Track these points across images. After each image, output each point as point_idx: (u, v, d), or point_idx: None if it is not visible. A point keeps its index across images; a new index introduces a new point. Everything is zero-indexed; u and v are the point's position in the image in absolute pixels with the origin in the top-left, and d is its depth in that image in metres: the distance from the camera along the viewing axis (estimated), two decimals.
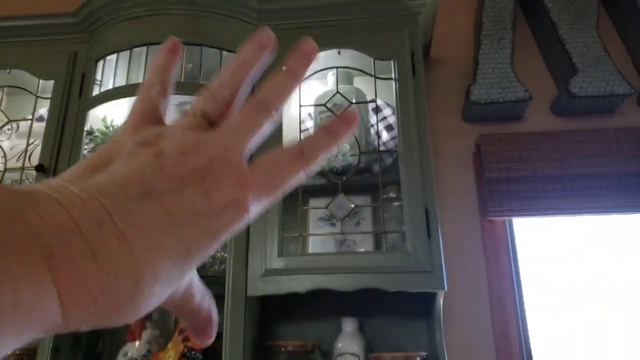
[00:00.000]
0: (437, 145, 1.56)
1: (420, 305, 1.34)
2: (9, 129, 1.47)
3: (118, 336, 1.30)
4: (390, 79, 1.35)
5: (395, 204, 1.32)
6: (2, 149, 1.40)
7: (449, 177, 1.57)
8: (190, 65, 1.37)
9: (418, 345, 1.31)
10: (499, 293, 1.43)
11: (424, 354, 1.22)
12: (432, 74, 1.68)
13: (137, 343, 1.23)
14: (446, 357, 1.17)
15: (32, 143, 1.40)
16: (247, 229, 1.22)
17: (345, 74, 1.45)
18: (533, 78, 1.64)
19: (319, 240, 1.41)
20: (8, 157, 1.40)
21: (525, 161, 1.52)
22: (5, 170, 1.37)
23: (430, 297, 1.24)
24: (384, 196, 1.32)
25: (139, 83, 1.34)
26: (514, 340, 1.39)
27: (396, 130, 1.33)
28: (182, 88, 1.35)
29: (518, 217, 1.53)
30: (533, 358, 1.39)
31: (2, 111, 1.44)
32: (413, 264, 1.17)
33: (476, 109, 1.58)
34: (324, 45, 1.39)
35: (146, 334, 1.25)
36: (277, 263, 1.20)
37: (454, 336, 1.36)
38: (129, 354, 1.22)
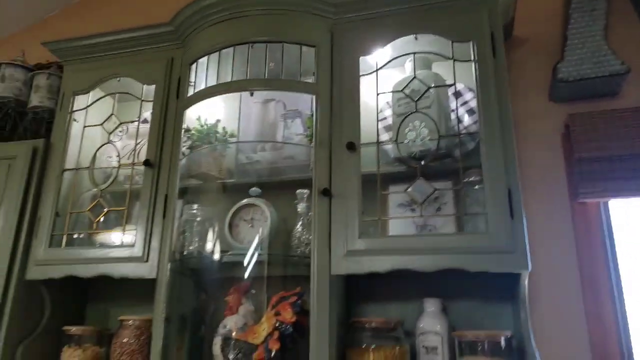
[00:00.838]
0: (522, 127, 1.56)
1: (505, 288, 1.36)
2: (120, 131, 1.71)
3: (219, 311, 1.48)
4: (470, 61, 1.38)
5: (477, 187, 1.35)
6: (116, 148, 1.65)
7: (536, 159, 1.56)
8: (272, 63, 1.50)
9: (502, 326, 1.33)
10: (592, 276, 1.40)
11: (508, 333, 1.24)
12: (516, 55, 1.67)
13: (235, 317, 1.40)
14: (532, 337, 1.18)
15: (139, 142, 1.63)
16: (329, 214, 1.33)
17: (423, 60, 1.50)
18: (632, 49, 1.56)
19: (399, 225, 1.48)
20: (121, 156, 1.64)
21: (621, 139, 1.46)
22: (120, 166, 1.61)
23: (515, 278, 1.26)
24: (466, 180, 1.36)
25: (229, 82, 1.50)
26: (609, 323, 1.36)
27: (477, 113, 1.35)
28: (266, 84, 1.49)
29: (613, 199, 1.48)
30: (632, 342, 1.35)
31: (115, 115, 1.69)
32: (495, 245, 1.20)
33: (564, 87, 1.54)
34: (401, 32, 1.45)
35: (242, 309, 1.42)
36: (359, 244, 1.29)
37: (541, 318, 1.36)
38: (228, 326, 1.39)
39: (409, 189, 1.36)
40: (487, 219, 1.23)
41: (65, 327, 1.55)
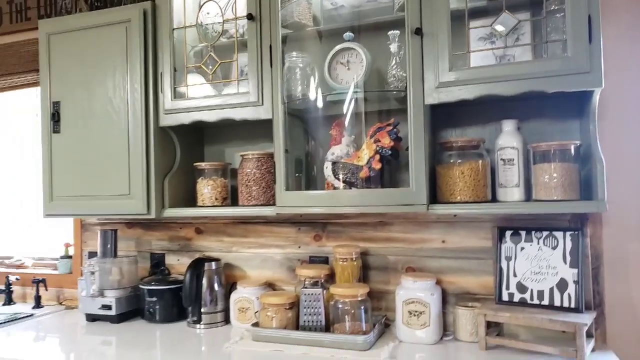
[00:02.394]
0: None
1: (574, 107, 1.63)
2: None
3: (325, 142, 1.84)
4: None
5: (558, 15, 1.54)
6: (218, 5, 1.84)
7: None
8: None
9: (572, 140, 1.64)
10: None
11: (577, 142, 1.55)
12: None
13: (339, 146, 1.76)
14: (599, 145, 1.48)
15: None
16: (422, 51, 1.56)
17: None
18: None
19: (480, 58, 1.70)
20: (223, 11, 1.84)
21: None
22: (224, 21, 1.83)
23: (586, 98, 1.52)
24: (548, 9, 1.54)
25: None
26: None
27: None
28: None
29: None
30: None
31: None
32: (573, 67, 1.43)
33: None
34: None
35: (345, 139, 1.76)
36: (449, 77, 1.55)
37: (606, 132, 1.64)
38: (335, 153, 1.75)
39: (495, 23, 1.57)
40: (567, 45, 1.45)
41: (196, 164, 1.97)
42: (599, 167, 1.44)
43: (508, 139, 1.65)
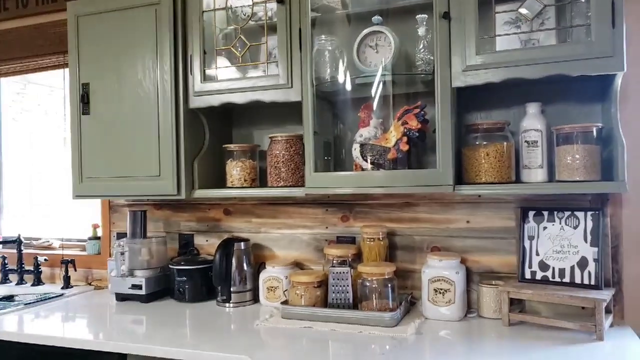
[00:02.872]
0: None
1: (596, 91, 1.71)
2: None
3: (353, 124, 1.93)
4: None
5: (582, 0, 1.60)
6: None
7: None
8: None
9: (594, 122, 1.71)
10: None
11: (599, 124, 1.63)
12: None
13: (367, 128, 1.84)
14: (620, 126, 1.55)
15: None
16: (449, 34, 1.64)
17: None
18: None
19: (505, 42, 1.77)
20: None
21: None
22: (253, 4, 1.90)
23: (608, 82, 1.59)
24: None
25: None
26: None
27: None
28: None
29: None
30: None
31: None
32: (596, 51, 1.50)
33: None
34: None
35: (373, 122, 1.84)
36: (475, 60, 1.62)
37: (627, 115, 1.71)
38: (363, 135, 1.83)
39: (521, 7, 1.63)
40: (590, 29, 1.52)
41: (225, 145, 2.06)
42: (620, 149, 1.52)
43: (532, 121, 1.73)
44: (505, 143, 1.71)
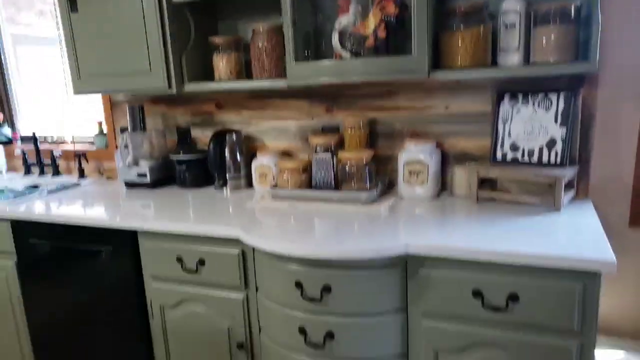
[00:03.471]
0: None
1: None
2: None
3: (333, 14, 1.95)
4: None
5: None
6: None
7: None
8: None
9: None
10: None
11: (578, 1, 1.62)
12: None
13: (347, 16, 1.87)
14: (599, 7, 1.55)
15: None
16: None
17: None
18: None
19: None
20: None
21: None
22: None
23: None
24: None
25: None
26: None
27: None
28: None
29: None
30: None
31: None
32: None
33: None
34: None
35: (352, 8, 1.87)
36: None
37: None
38: (342, 23, 1.87)
39: None
40: None
41: (211, 37, 2.13)
42: (595, 28, 1.53)
43: (512, 2, 1.72)
44: (482, 26, 1.73)
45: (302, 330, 1.58)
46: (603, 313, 1.89)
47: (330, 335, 1.54)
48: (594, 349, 1.34)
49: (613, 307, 1.88)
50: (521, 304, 1.37)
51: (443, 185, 2.02)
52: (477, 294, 1.40)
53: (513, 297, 1.37)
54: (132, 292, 1.96)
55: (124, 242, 1.93)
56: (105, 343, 2.08)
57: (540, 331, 1.37)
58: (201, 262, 1.79)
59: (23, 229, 2.15)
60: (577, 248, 1.34)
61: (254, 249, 1.70)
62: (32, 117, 3.14)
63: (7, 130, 3.03)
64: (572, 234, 1.47)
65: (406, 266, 1.50)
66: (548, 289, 1.33)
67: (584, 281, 1.30)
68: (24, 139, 3.04)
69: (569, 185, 1.74)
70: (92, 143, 2.83)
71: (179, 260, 1.82)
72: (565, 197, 1.70)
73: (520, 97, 1.84)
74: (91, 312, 2.09)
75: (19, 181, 2.76)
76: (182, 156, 2.33)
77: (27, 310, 2.24)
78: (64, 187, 2.55)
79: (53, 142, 3.01)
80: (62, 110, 3.04)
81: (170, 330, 1.95)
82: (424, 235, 1.53)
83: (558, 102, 1.76)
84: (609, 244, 1.36)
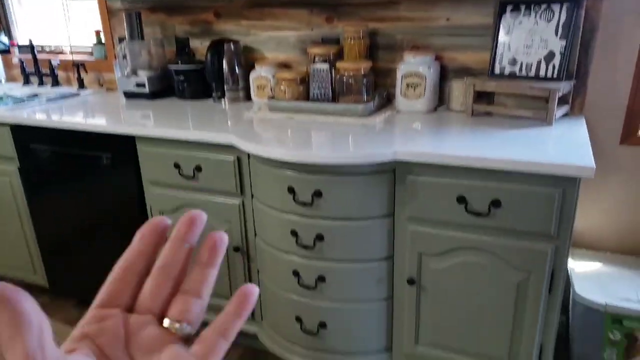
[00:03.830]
0: None
1: None
2: None
3: None
4: None
5: None
6: None
7: None
8: None
9: None
10: None
11: None
12: None
13: None
14: None
15: None
16: None
17: None
18: None
19: None
20: None
21: None
22: None
23: None
24: None
25: None
26: None
27: None
28: None
29: None
30: None
31: None
32: None
33: None
34: None
35: None
36: None
37: None
38: None
39: None
40: None
41: None
42: None
43: None
44: None
45: (294, 233, 1.67)
46: (589, 228, 1.97)
47: (319, 238, 1.64)
48: (568, 251, 1.43)
49: (599, 223, 1.95)
50: (503, 210, 1.44)
51: (441, 100, 2.03)
52: (461, 200, 1.47)
53: (495, 203, 1.43)
54: (133, 198, 2.06)
55: (123, 148, 1.99)
56: (107, 247, 2.21)
57: (519, 235, 1.45)
58: (198, 169, 1.85)
59: (23, 134, 2.21)
60: (560, 156, 1.39)
61: (249, 156, 1.75)
62: (28, 25, 3.11)
63: (4, 38, 3.02)
64: (558, 145, 1.52)
65: (395, 173, 1.56)
66: (529, 195, 1.40)
67: (564, 187, 1.36)
68: (21, 48, 3.03)
69: (563, 100, 1.75)
70: (90, 54, 2.82)
71: (177, 166, 1.89)
72: (559, 111, 1.72)
73: (522, 8, 1.80)
74: (94, 218, 2.19)
75: (18, 91, 2.79)
76: (180, 66, 2.34)
77: (32, 213, 2.36)
78: (63, 97, 2.58)
79: (51, 52, 3.00)
80: (59, 17, 3.00)
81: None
82: (413, 144, 1.57)
83: (560, 13, 1.74)
84: (591, 153, 1.40)
